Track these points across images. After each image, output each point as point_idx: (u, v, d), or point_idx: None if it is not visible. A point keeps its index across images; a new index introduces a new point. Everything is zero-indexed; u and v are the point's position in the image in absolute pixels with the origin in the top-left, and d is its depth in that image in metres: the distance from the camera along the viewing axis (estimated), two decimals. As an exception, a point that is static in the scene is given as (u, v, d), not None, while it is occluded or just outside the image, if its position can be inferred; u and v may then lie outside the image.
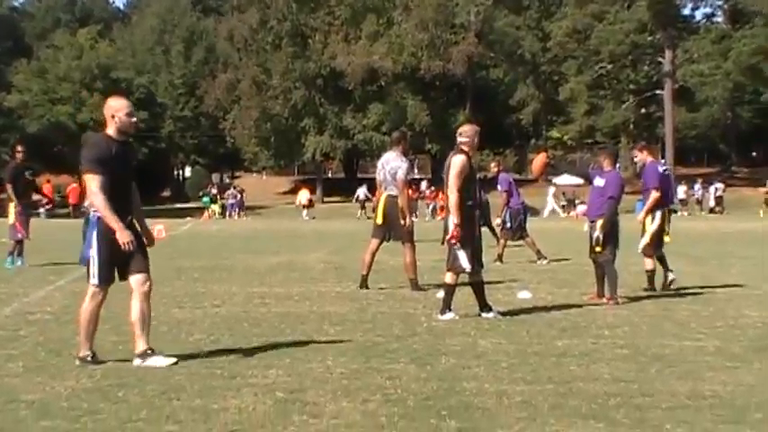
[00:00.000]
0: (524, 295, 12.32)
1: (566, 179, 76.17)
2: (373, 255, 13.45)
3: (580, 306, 11.48)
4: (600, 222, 11.89)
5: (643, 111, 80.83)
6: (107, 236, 7.41)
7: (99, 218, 7.43)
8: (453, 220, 10.13)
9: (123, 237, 7.35)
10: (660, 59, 74.39)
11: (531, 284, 13.74)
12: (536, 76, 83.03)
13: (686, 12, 79.81)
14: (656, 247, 13.27)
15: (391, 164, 13.20)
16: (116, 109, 7.61)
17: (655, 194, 13.21)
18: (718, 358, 8.00)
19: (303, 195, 57.86)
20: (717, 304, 11.74)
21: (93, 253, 7.50)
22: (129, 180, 7.72)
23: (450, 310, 10.39)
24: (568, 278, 15.06)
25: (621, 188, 12.17)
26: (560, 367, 7.59)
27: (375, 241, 13.46)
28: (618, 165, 12.85)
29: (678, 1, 74.82)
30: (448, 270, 10.45)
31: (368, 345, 8.62)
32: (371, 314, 10.78)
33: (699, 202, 60.09)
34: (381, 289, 13.29)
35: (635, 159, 14.12)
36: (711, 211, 58.21)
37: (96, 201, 7.37)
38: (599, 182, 12.18)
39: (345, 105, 76.94)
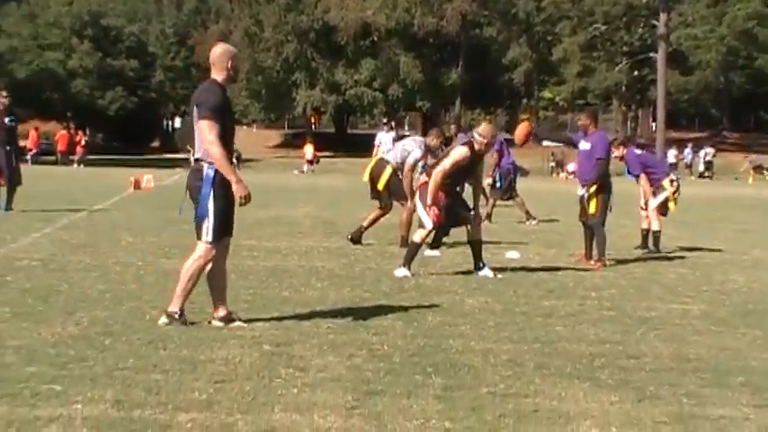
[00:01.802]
0: (513, 255, 12.34)
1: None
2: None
3: (568, 267, 11.51)
4: (591, 185, 11.91)
5: (636, 73, 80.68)
6: (223, 189, 7.08)
7: (216, 170, 7.04)
8: (428, 200, 10.36)
9: (241, 190, 7.04)
10: (654, 22, 74.04)
11: (519, 245, 13.75)
12: (529, 35, 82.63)
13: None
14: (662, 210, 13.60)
15: (408, 147, 13.23)
16: (231, 55, 7.28)
17: (643, 177, 13.52)
18: (704, 322, 8.05)
19: (308, 150, 57.93)
20: (704, 269, 11.80)
21: (210, 208, 7.10)
22: (233, 131, 7.39)
23: (408, 267, 10.44)
24: (557, 239, 15.10)
25: (608, 148, 12.18)
26: (546, 327, 7.61)
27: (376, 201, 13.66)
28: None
29: (675, -36, 74.42)
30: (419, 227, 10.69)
31: (355, 300, 8.64)
32: (359, 270, 10.79)
33: (689, 166, 60.19)
34: (370, 245, 13.29)
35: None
36: (701, 175, 58.34)
37: (215, 151, 6.96)
38: (584, 145, 12.13)
39: (337, 60, 76.56)
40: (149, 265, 10.59)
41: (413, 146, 13.22)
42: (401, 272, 10.39)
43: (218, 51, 7.32)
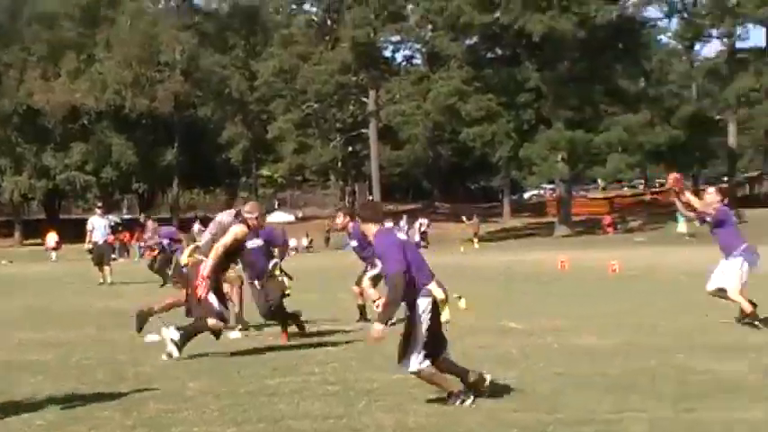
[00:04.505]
0: (153, 338, 11.84)
1: (278, 216, 77.16)
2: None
3: (292, 345, 11.52)
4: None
5: (350, 149, 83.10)
6: None
7: None
8: (205, 272, 10.32)
9: None
10: (365, 99, 76.82)
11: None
12: (244, 114, 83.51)
13: (387, 54, 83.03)
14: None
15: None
16: None
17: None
18: (422, 390, 8.21)
19: (51, 238, 56.11)
20: (421, 336, 12.09)
21: None
22: None
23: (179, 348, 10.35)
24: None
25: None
26: (271, 406, 7.56)
27: None
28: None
29: (379, 43, 77.61)
30: (209, 317, 10.50)
31: (71, 392, 8.24)
32: (75, 360, 10.34)
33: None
34: (88, 334, 12.79)
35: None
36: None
37: None
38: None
39: (45, 144, 74.12)
40: None
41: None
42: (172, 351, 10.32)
43: None
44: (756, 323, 12.04)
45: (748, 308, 12.20)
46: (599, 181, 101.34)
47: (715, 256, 12.78)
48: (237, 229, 10.67)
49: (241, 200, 16.31)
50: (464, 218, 61.61)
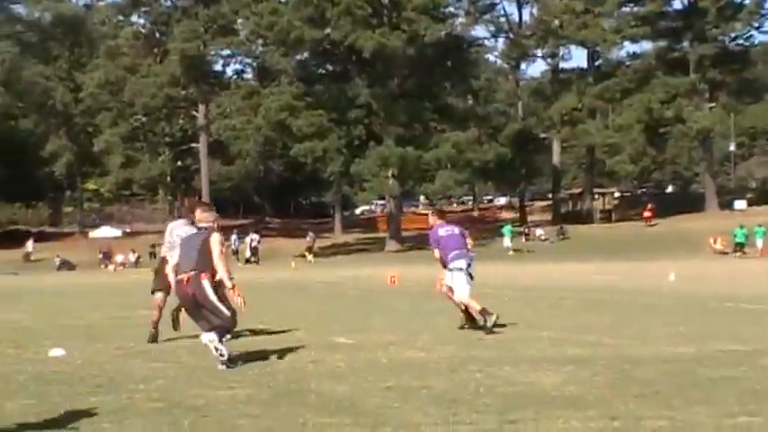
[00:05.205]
0: (57, 353, 11.80)
1: (104, 231, 75.33)
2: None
3: (116, 360, 11.21)
4: None
5: (180, 163, 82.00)
6: None
7: None
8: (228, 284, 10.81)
9: None
10: (194, 113, 75.95)
11: (63, 340, 13.22)
12: (69, 127, 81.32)
13: (218, 68, 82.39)
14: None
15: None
16: None
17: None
18: (249, 406, 8.14)
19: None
20: (252, 352, 11.97)
21: None
22: None
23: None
24: (102, 333, 14.71)
25: None
26: (92, 425, 7.32)
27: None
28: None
29: (209, 57, 76.93)
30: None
31: None
32: None
33: (235, 252, 61.73)
34: None
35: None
36: (248, 261, 59.99)
37: None
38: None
39: None
40: None
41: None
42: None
43: None
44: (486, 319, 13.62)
45: (478, 306, 13.90)
46: (421, 198, 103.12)
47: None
48: (219, 237, 11.05)
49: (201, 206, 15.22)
50: (308, 238, 62.45)
